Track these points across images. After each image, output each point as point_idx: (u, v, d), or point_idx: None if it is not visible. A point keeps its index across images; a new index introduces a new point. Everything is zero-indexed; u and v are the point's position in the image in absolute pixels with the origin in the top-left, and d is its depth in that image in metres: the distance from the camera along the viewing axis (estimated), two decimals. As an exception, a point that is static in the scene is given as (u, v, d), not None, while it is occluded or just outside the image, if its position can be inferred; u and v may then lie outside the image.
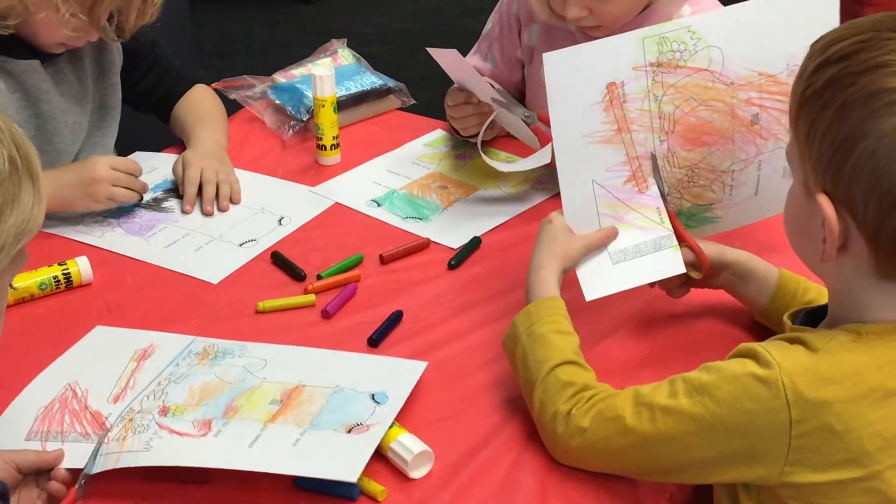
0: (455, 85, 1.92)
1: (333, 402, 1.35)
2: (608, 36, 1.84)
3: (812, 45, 1.16)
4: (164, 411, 1.36)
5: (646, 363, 1.48)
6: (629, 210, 1.46)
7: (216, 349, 1.49)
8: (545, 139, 1.86)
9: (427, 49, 1.85)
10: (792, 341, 1.18)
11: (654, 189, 1.46)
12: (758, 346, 1.18)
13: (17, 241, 1.09)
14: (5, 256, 1.08)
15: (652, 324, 1.56)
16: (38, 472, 1.29)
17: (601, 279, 1.45)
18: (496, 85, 1.92)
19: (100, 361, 1.49)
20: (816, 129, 1.12)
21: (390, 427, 1.32)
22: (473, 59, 2.08)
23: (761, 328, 1.51)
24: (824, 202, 1.12)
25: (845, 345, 1.15)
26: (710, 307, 1.57)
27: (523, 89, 2.09)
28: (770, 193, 1.53)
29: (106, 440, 1.32)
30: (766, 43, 1.45)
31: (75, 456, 1.30)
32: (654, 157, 1.46)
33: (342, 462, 1.25)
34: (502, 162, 1.94)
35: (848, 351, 1.15)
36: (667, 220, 1.46)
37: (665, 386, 1.23)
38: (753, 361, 1.17)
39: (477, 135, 1.96)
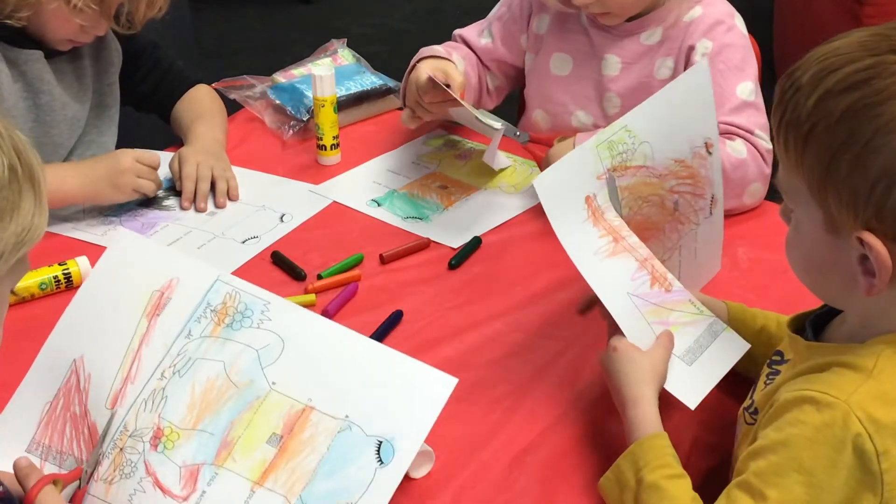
0: (426, 79, 1.86)
1: (334, 450, 1.23)
2: (617, 23, 1.86)
3: (789, 78, 1.11)
4: (157, 438, 1.29)
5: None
6: (670, 311, 1.39)
7: (237, 303, 1.35)
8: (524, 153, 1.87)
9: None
10: (827, 367, 1.12)
11: (677, 283, 1.40)
12: (807, 392, 1.10)
13: (17, 250, 1.07)
14: (4, 264, 1.06)
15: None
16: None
17: (692, 384, 1.36)
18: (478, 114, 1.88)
19: (111, 313, 1.39)
20: (839, 166, 1.06)
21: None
22: (470, 31, 2.08)
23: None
24: (871, 240, 1.06)
25: (894, 358, 1.10)
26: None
27: (511, 73, 2.08)
28: (689, 273, 1.51)
29: (96, 477, 1.27)
30: (676, 130, 1.42)
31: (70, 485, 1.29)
32: (610, 179, 1.38)
33: None
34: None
35: None
36: (704, 307, 1.40)
37: (740, 494, 1.12)
38: (811, 408, 1.09)
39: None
